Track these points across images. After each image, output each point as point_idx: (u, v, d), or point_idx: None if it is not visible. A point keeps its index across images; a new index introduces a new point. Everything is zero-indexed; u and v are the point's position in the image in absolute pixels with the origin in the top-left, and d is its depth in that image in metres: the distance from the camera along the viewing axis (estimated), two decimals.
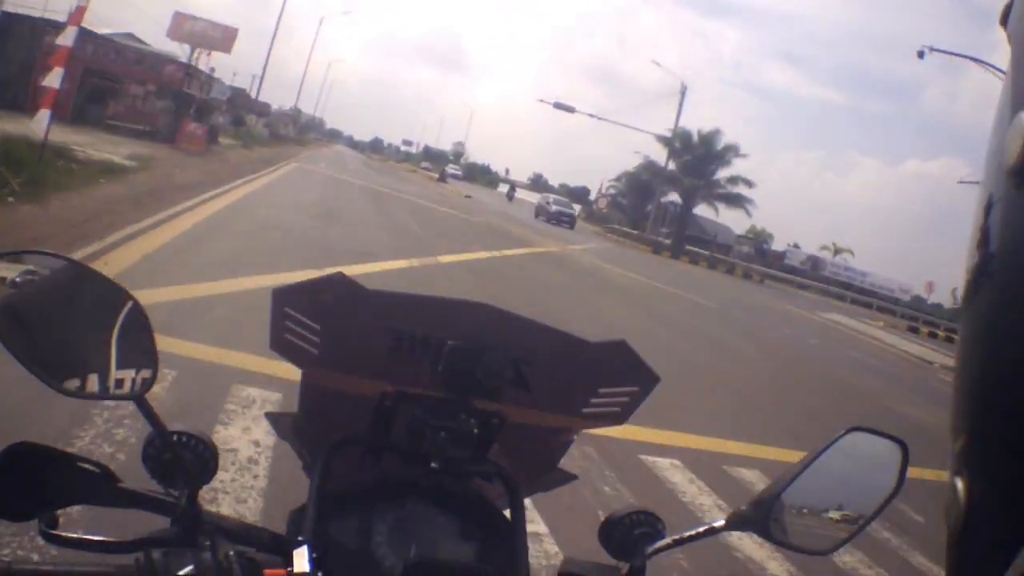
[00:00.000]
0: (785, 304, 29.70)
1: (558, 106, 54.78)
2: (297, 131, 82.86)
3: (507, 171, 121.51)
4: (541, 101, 58.06)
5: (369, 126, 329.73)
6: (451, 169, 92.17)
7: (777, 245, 62.01)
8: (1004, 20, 0.48)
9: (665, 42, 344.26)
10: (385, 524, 1.01)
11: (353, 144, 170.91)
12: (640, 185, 69.13)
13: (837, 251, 62.37)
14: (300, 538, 0.91)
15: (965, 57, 28.42)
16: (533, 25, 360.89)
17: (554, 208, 48.16)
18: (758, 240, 61.37)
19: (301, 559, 0.88)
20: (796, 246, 62.38)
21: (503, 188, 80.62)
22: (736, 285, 35.18)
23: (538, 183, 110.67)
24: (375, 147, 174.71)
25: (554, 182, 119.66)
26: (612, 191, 67.37)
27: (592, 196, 74.57)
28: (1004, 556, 0.40)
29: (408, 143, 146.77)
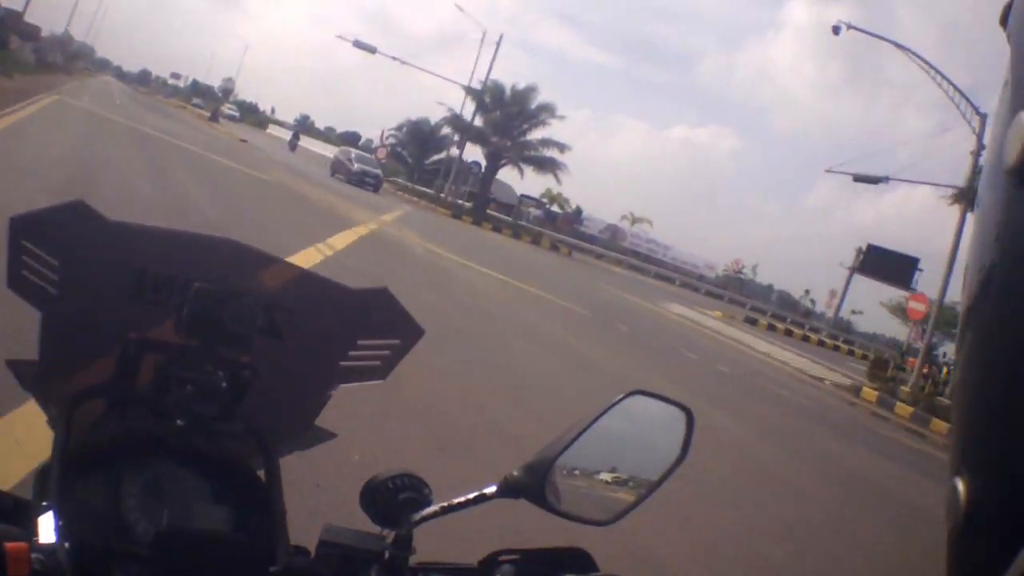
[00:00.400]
0: (627, 294, 26.68)
1: (358, 45, 48.58)
2: (66, 59, 71.69)
3: (272, 110, 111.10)
4: (339, 37, 51.61)
5: (139, 56, 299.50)
6: (228, 109, 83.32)
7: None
8: (1004, 20, 0.47)
9: None
10: (135, 486, 0.97)
11: (121, 75, 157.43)
12: (423, 137, 65.35)
13: (635, 221, 60.75)
14: (44, 503, 0.85)
15: (884, 39, 27.44)
16: None
17: (356, 167, 40.66)
18: (541, 202, 59.33)
19: (46, 525, 0.82)
20: (579, 211, 60.48)
21: (274, 131, 73.07)
22: (560, 264, 32.97)
23: (304, 125, 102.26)
24: (143, 79, 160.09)
25: (320, 125, 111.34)
26: (392, 141, 62.29)
27: (371, 143, 69.75)
28: (1004, 556, 0.40)
29: (176, 76, 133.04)
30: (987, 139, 0.47)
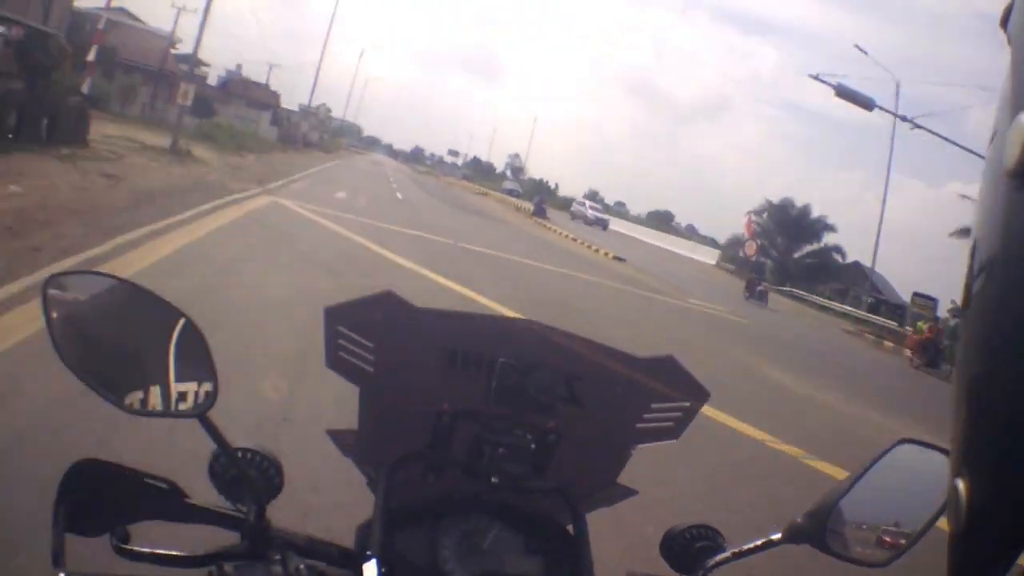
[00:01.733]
0: None
1: (843, 93, 30.69)
2: (323, 134, 65.45)
3: (556, 186, 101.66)
4: (814, 77, 31.56)
5: (408, 134, 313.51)
6: (508, 184, 73.40)
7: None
8: (1004, 22, 0.48)
9: (702, 58, 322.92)
10: (451, 539, 1.03)
11: (393, 153, 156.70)
12: (790, 222, 49.83)
13: None
14: (368, 552, 0.93)
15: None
16: (569, 37, 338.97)
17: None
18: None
19: (370, 572, 0.91)
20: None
21: (580, 209, 60.51)
22: None
23: (595, 200, 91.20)
24: (416, 157, 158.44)
25: (610, 199, 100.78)
26: (757, 229, 47.71)
27: (679, 224, 55.78)
28: (1005, 557, 0.40)
29: (454, 153, 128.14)
30: (987, 140, 0.47)
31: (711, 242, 70.19)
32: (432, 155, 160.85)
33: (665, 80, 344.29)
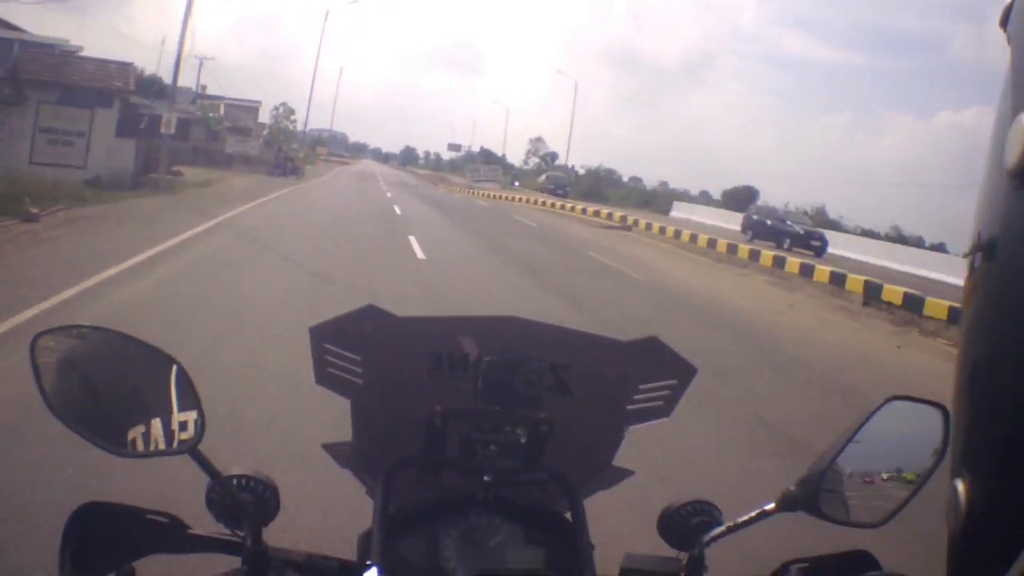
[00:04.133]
0: None
1: None
2: (281, 145, 46.37)
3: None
4: None
5: (396, 136, 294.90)
6: (547, 180, 54.90)
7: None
8: (1004, 22, 0.48)
9: (680, 18, 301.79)
10: (451, 538, 1.04)
11: (383, 157, 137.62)
12: None
13: None
14: (368, 562, 0.95)
15: None
16: (540, 19, 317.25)
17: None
18: None
19: None
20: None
21: (680, 213, 41.65)
22: None
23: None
24: (407, 159, 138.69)
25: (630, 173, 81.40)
26: None
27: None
28: (1004, 556, 0.40)
29: (455, 147, 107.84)
30: (988, 140, 0.46)
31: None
32: (427, 153, 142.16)
33: (643, 46, 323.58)
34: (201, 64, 46.32)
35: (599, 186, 64.03)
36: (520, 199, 44.24)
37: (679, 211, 42.99)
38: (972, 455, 0.45)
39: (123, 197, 19.05)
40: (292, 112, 68.40)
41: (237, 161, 41.79)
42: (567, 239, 22.55)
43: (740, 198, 54.24)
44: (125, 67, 24.55)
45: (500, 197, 45.03)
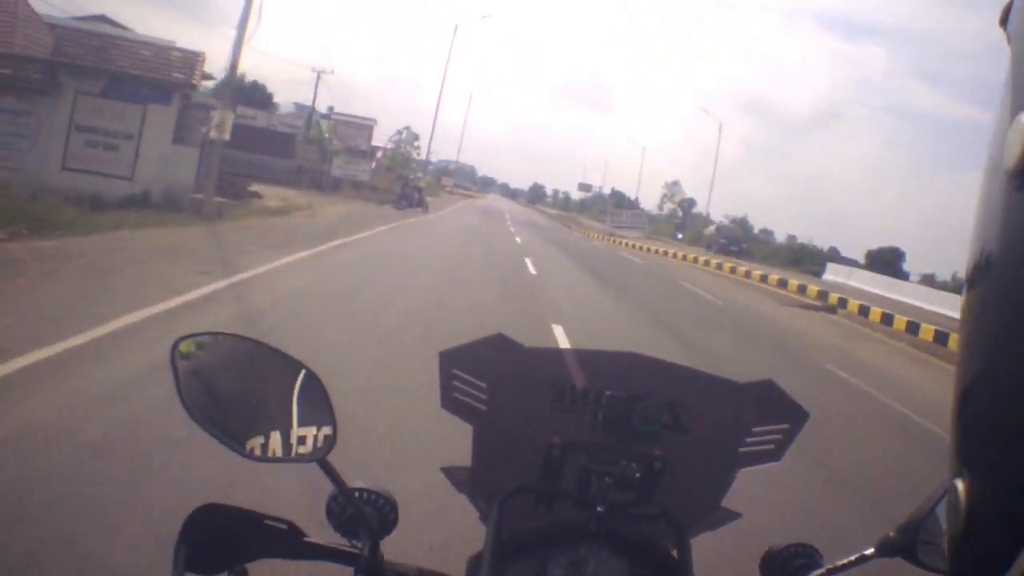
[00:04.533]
0: None
1: None
2: (402, 172, 40.58)
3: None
4: None
5: (525, 172, 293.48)
6: (712, 233, 46.80)
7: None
8: (1004, 21, 0.48)
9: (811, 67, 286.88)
10: (560, 567, 1.05)
11: (511, 193, 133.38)
12: None
13: None
14: None
15: None
16: (672, 60, 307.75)
17: None
18: None
19: None
20: None
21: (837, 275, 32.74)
22: None
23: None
24: (536, 196, 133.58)
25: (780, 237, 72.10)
26: None
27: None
28: (1005, 556, 0.40)
29: (585, 187, 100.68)
30: (987, 141, 0.46)
31: None
32: (555, 192, 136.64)
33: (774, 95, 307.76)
34: (319, 78, 41.22)
35: (748, 240, 55.50)
36: (675, 254, 36.22)
37: (834, 274, 34.76)
38: (972, 454, 0.44)
39: (126, 223, 12.83)
40: (416, 137, 62.60)
41: (346, 185, 36.19)
42: (774, 331, 14.88)
43: (885, 260, 48.64)
44: (192, 57, 18.56)
45: (651, 250, 37.00)
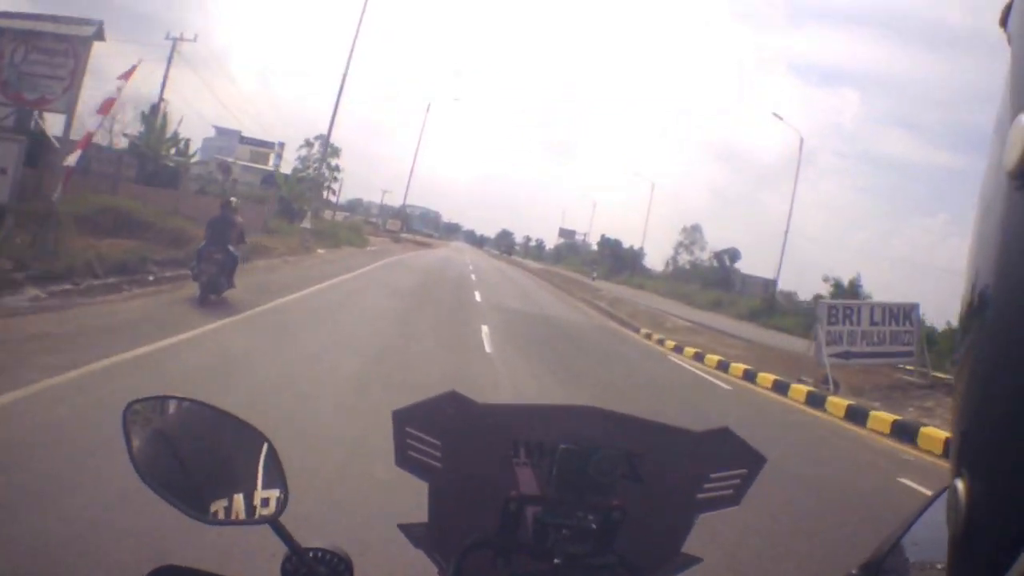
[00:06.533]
0: None
1: None
2: (301, 205, 28.69)
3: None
4: None
5: (492, 218, 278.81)
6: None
7: None
8: (1004, 21, 0.48)
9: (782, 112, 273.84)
10: None
11: (476, 241, 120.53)
12: None
13: None
14: None
15: None
16: (639, 108, 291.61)
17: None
18: None
19: None
20: None
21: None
22: None
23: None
24: (505, 244, 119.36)
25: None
26: None
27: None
28: (1005, 557, 0.40)
29: (568, 234, 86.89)
30: (988, 141, 0.46)
31: None
32: (527, 239, 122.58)
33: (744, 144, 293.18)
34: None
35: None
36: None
37: None
38: (972, 455, 0.44)
39: None
40: (337, 153, 43.16)
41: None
42: None
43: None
44: None
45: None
